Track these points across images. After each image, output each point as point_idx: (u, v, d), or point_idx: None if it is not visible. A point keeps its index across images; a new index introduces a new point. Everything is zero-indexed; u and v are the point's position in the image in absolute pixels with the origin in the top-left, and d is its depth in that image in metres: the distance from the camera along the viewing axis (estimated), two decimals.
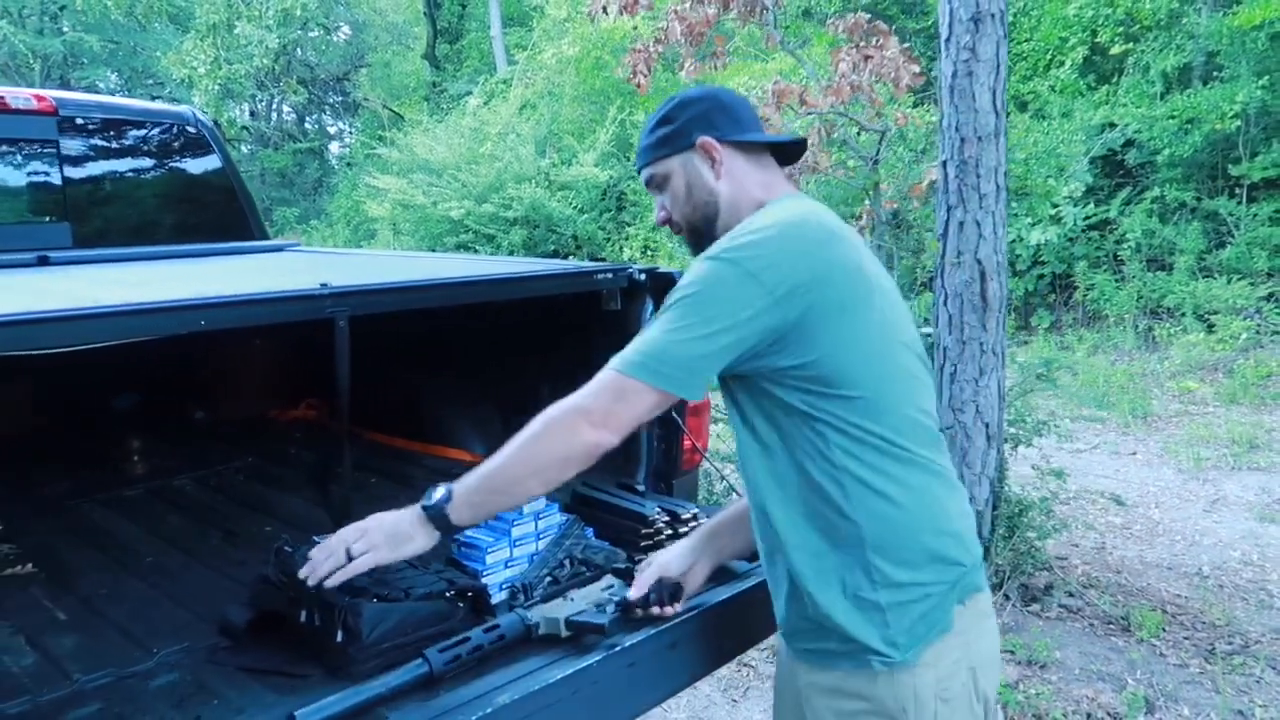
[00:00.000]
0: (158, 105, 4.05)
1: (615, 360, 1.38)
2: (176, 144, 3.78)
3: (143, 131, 3.70)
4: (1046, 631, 3.51)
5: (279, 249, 3.71)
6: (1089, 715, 2.99)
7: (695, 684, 2.20)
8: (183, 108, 3.92)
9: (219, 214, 3.72)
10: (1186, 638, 3.54)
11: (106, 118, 3.58)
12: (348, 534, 1.47)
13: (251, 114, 22.82)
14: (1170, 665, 3.32)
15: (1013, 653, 3.37)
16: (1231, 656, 3.36)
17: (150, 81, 21.30)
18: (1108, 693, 3.11)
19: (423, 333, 2.79)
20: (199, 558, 2.13)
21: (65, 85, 19.36)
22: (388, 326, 2.33)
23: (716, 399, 1.75)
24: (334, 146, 24.35)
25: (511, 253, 11.40)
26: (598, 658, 1.54)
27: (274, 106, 23.43)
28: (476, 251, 11.51)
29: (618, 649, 1.56)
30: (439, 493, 1.45)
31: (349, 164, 19.66)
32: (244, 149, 22.69)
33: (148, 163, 3.72)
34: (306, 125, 24.18)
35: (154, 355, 2.81)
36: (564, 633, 1.59)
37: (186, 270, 2.68)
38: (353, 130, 22.91)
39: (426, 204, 12.12)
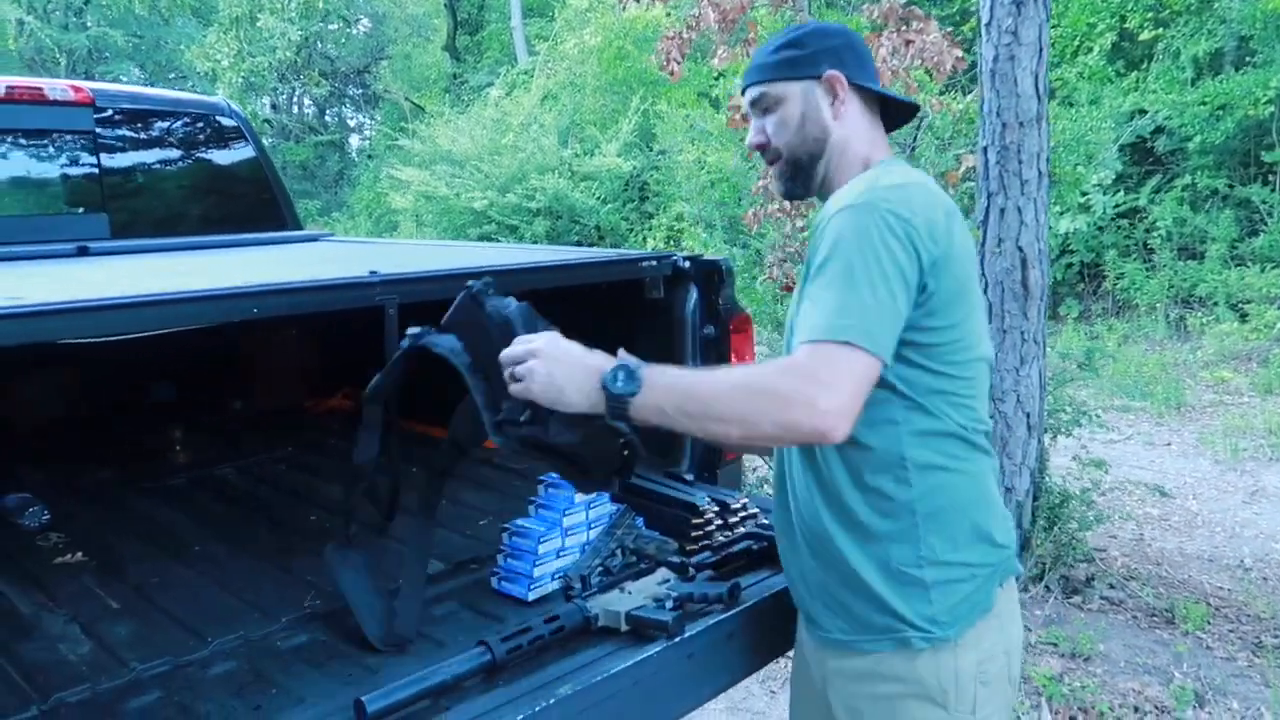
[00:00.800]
0: (192, 96, 4.06)
1: (822, 328, 1.21)
2: (211, 135, 3.78)
3: (177, 122, 3.71)
4: (1090, 624, 3.47)
5: (314, 238, 3.71)
6: (1137, 709, 2.94)
7: None
8: (217, 98, 3.93)
9: (253, 204, 3.72)
10: (1232, 630, 3.49)
11: (141, 109, 3.59)
12: (517, 351, 1.33)
13: (273, 107, 22.91)
14: (1217, 659, 3.27)
15: (1055, 645, 3.33)
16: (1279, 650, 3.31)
17: (174, 76, 21.42)
18: (1155, 686, 3.07)
19: None
20: (245, 546, 2.12)
21: (90, 80, 19.50)
22: (428, 314, 2.32)
23: None
24: (354, 139, 24.42)
25: (535, 244, 11.39)
26: (657, 649, 1.52)
27: (295, 99, 23.51)
28: (500, 242, 11.50)
29: (677, 640, 1.54)
30: (623, 375, 1.25)
31: (370, 156, 19.69)
32: (266, 142, 22.79)
33: (182, 153, 3.72)
34: (327, 118, 24.25)
35: (196, 346, 2.82)
36: (624, 626, 1.57)
37: (228, 260, 2.67)
38: (374, 123, 22.96)
39: (449, 195, 12.12)
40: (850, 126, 1.45)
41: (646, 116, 11.99)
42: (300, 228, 3.88)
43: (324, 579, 1.87)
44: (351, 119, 25.10)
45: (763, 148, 1.50)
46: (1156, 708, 2.95)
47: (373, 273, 1.82)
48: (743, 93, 1.53)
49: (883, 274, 1.23)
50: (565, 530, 1.83)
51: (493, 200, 11.67)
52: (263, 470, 2.74)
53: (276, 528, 2.26)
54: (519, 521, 1.84)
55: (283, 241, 3.43)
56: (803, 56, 1.44)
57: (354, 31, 23.09)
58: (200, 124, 3.73)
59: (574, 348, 1.33)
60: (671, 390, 1.24)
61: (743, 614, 1.65)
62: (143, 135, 3.57)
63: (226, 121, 3.76)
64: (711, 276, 2.36)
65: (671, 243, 10.92)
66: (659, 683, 1.52)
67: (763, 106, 1.48)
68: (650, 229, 11.51)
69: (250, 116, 20.38)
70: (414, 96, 19.85)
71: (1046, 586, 3.68)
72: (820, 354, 1.20)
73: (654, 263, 2.34)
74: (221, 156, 3.81)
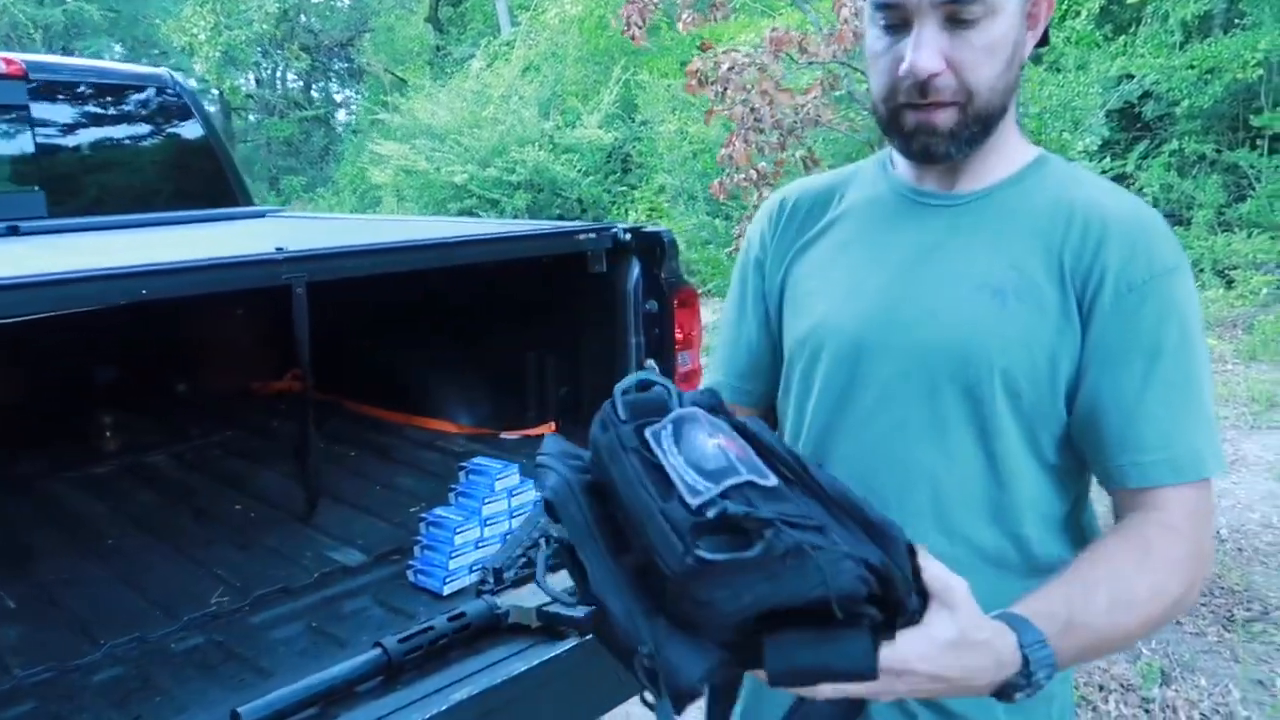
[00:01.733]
0: (133, 68, 3.93)
1: (1196, 460, 0.92)
2: (154, 108, 3.65)
3: (118, 96, 3.58)
4: None
5: (260, 214, 3.59)
6: (1101, 687, 2.88)
7: None
8: (160, 70, 3.79)
9: (199, 179, 3.61)
10: (1204, 604, 3.42)
11: (79, 81, 3.46)
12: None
13: (257, 82, 22.63)
14: (1187, 634, 3.20)
15: None
16: (1250, 624, 3.24)
17: (155, 51, 21.12)
18: (1121, 663, 3.00)
19: (404, 298, 2.68)
20: (164, 539, 2.04)
21: (68, 55, 19.20)
22: (367, 292, 2.22)
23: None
24: (340, 114, 24.15)
25: (515, 217, 11.25)
26: (568, 647, 1.44)
27: (279, 74, 23.21)
28: (480, 216, 11.37)
29: (590, 637, 1.45)
30: (1046, 666, 0.80)
31: (355, 131, 19.47)
32: (250, 117, 22.52)
33: (124, 128, 3.60)
34: (312, 93, 23.96)
35: (131, 326, 2.73)
36: (535, 623, 1.48)
37: (156, 238, 2.57)
38: (359, 97, 22.70)
39: (429, 169, 11.96)
40: (1018, 72, 0.98)
41: (628, 87, 11.81)
42: (251, 203, 3.77)
43: (235, 573, 1.79)
44: (337, 93, 24.81)
45: (933, 80, 0.92)
46: (1122, 686, 2.88)
47: (279, 249, 1.71)
48: None
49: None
50: (485, 520, 1.75)
51: (473, 174, 11.52)
52: (198, 456, 2.65)
53: (200, 518, 2.17)
54: (436, 511, 1.76)
55: (226, 218, 3.32)
56: None
57: (337, 4, 22.74)
58: (142, 97, 3.61)
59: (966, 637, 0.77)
60: (1079, 657, 0.87)
61: None
62: (81, 109, 3.45)
63: (170, 94, 3.63)
64: (653, 249, 2.26)
65: (654, 216, 10.80)
66: (570, 683, 1.44)
67: (959, 13, 0.91)
68: (633, 201, 11.38)
69: (231, 91, 20.18)
70: (396, 69, 19.59)
71: None
72: (1203, 511, 0.93)
73: (593, 235, 2.24)
74: (165, 130, 3.68)
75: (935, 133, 0.95)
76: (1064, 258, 0.93)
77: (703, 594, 0.64)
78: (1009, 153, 1.00)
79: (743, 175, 4.19)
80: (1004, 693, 0.79)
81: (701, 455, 0.70)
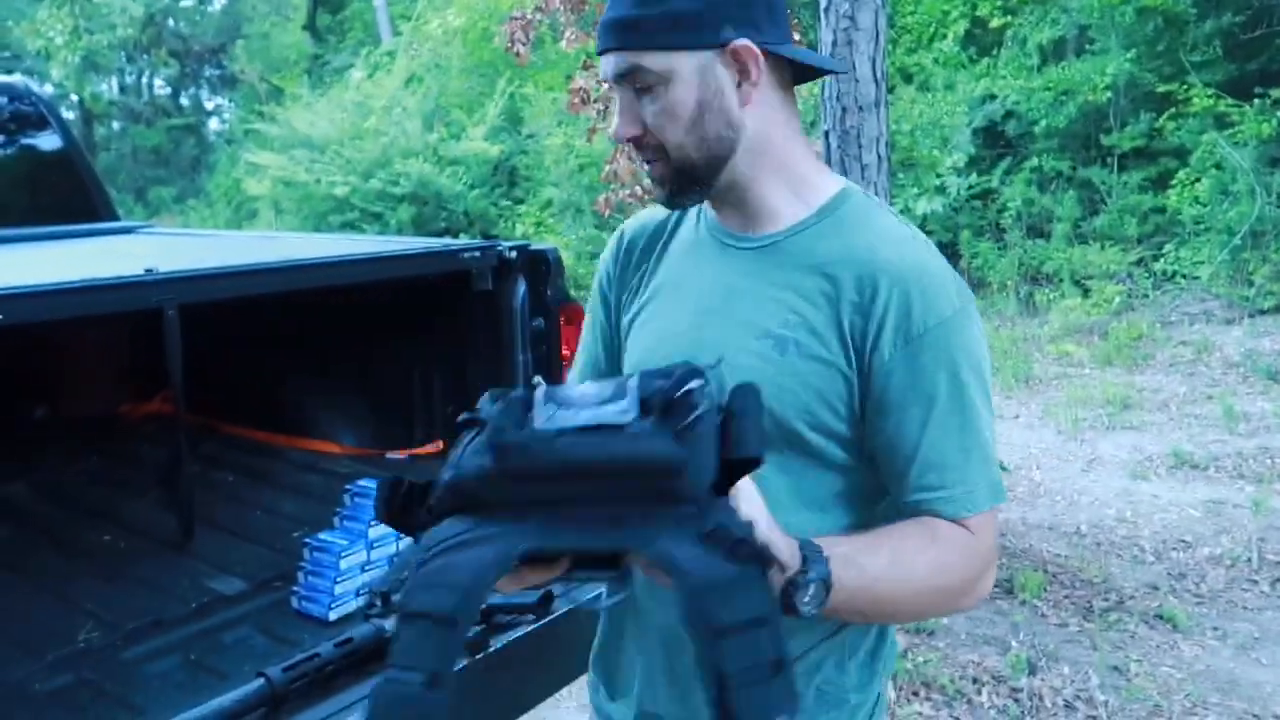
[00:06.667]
0: None
1: (988, 491, 1.01)
2: (8, 118, 3.46)
3: None
4: None
5: (129, 230, 3.44)
6: (975, 680, 3.03)
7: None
8: (14, 78, 3.60)
9: (59, 194, 3.43)
10: (1066, 596, 3.63)
11: None
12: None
13: (120, 89, 21.57)
14: (1051, 625, 3.40)
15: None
16: (1108, 613, 3.46)
17: (7, 54, 19.89)
18: (993, 656, 3.16)
19: (285, 319, 2.61)
20: (22, 574, 1.93)
21: None
22: (244, 313, 2.16)
23: None
24: (213, 122, 23.24)
25: (400, 231, 11.05)
26: (459, 667, 1.43)
27: (145, 80, 22.18)
28: (363, 231, 11.12)
29: (478, 656, 1.46)
30: (817, 592, 0.89)
31: (228, 141, 18.78)
32: (114, 125, 21.44)
33: None
34: (182, 100, 22.98)
35: None
36: None
37: (13, 257, 2.43)
38: (232, 105, 21.89)
39: (309, 181, 11.64)
40: (766, 118, 1.03)
41: (513, 100, 11.77)
42: (116, 218, 3.60)
43: (105, 607, 1.71)
44: (209, 101, 23.87)
45: (638, 140, 1.03)
46: (994, 678, 3.04)
47: (148, 270, 1.66)
48: (600, 54, 1.04)
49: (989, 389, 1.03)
50: (371, 542, 1.72)
51: (355, 186, 11.27)
52: (59, 486, 2.51)
53: (62, 550, 2.06)
54: (320, 535, 1.72)
55: (90, 234, 3.17)
56: (695, 12, 0.98)
57: (208, 9, 21.91)
58: None
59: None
60: (854, 598, 0.93)
61: (555, 623, 1.58)
62: None
63: (25, 103, 3.44)
64: (539, 266, 2.27)
65: (541, 230, 10.77)
66: (458, 705, 1.44)
67: (635, 83, 1.00)
68: (520, 215, 11.33)
69: (92, 98, 19.18)
70: (272, 78, 18.99)
71: None
72: (990, 529, 1.01)
73: (478, 254, 2.23)
74: (21, 141, 3.49)
75: (656, 182, 1.05)
76: (842, 311, 0.99)
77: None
78: (806, 192, 1.06)
79: (628, 191, 4.25)
80: (788, 595, 0.86)
81: (581, 394, 0.76)
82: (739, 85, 1.00)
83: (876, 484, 1.05)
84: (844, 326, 0.99)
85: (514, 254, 2.25)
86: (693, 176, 1.03)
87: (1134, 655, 3.16)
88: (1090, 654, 3.17)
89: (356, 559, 1.69)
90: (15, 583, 1.89)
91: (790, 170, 1.05)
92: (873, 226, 1.04)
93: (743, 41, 0.98)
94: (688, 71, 0.98)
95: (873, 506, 1.06)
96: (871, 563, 0.94)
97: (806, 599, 0.86)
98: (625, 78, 1.00)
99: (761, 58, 0.99)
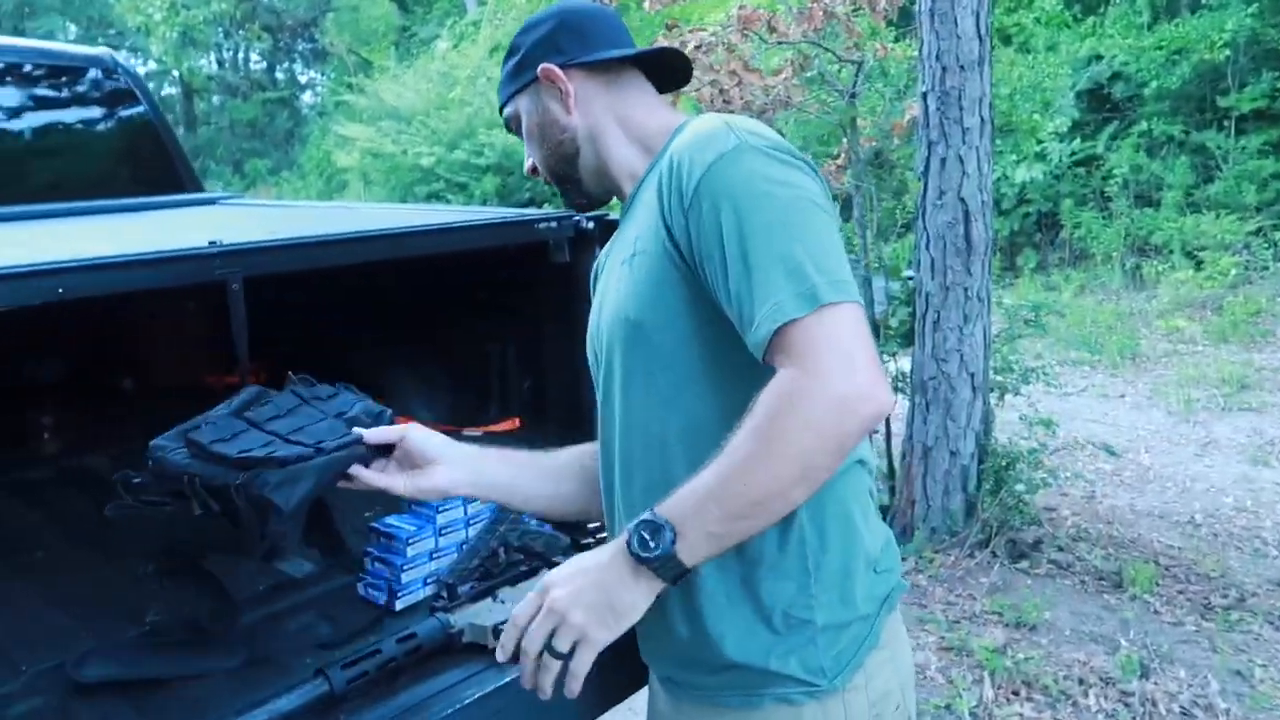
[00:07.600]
0: (73, 49, 3.74)
1: (783, 310, 0.96)
2: (95, 91, 3.48)
3: (56, 77, 3.40)
4: (1036, 590, 3.35)
5: (211, 201, 3.44)
6: (1081, 681, 2.83)
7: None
8: (101, 51, 3.61)
9: (143, 166, 3.44)
10: (1180, 592, 3.39)
11: (14, 63, 3.29)
12: (538, 615, 1.05)
13: (218, 63, 22.15)
14: (1165, 623, 3.17)
15: (1000, 614, 3.21)
16: (1228, 612, 3.21)
17: (111, 31, 20.60)
18: (1100, 655, 2.96)
19: (359, 291, 2.56)
20: (103, 549, 1.91)
21: (20, 36, 18.66)
22: (318, 285, 2.10)
23: None
24: (306, 96, 23.72)
25: (484, 201, 11.09)
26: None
27: (240, 55, 22.74)
28: (448, 201, 11.19)
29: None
30: (645, 532, 0.98)
31: (320, 113, 19.15)
32: (213, 100, 22.06)
33: (62, 111, 3.42)
34: (276, 74, 23.51)
35: (78, 320, 2.58)
36: (492, 642, 1.38)
37: (88, 229, 2.42)
38: (323, 78, 22.29)
39: (396, 152, 11.76)
40: (595, 112, 1.24)
41: None
42: (200, 189, 3.61)
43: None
44: (302, 75, 24.37)
45: (533, 170, 1.34)
46: (1101, 679, 2.84)
47: (212, 243, 1.59)
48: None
49: (809, 209, 1.02)
50: (439, 529, 1.64)
51: (440, 157, 11.34)
52: (138, 457, 2.50)
53: (136, 526, 2.04)
54: (388, 519, 1.65)
55: (172, 205, 3.16)
56: (519, 62, 1.28)
57: None
58: (82, 79, 3.44)
59: (573, 562, 1.06)
60: (702, 507, 0.96)
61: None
62: (15, 91, 3.27)
63: (112, 76, 3.46)
64: None
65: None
66: (531, 708, 1.34)
67: (514, 128, 1.34)
68: None
69: (190, 73, 19.73)
70: (361, 50, 19.24)
71: (993, 552, 3.56)
72: (820, 335, 0.95)
73: (554, 224, 2.11)
74: (107, 114, 3.51)
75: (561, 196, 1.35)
76: (660, 210, 1.09)
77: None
78: (654, 143, 1.20)
79: None
80: (668, 575, 0.99)
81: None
82: (560, 98, 1.24)
83: (733, 369, 1.06)
84: (662, 221, 1.08)
85: (591, 225, 2.13)
86: (561, 178, 1.30)
87: (1258, 659, 2.92)
88: (1209, 656, 2.94)
89: (424, 546, 1.61)
90: (92, 558, 1.88)
91: (631, 133, 1.24)
92: (686, 129, 1.13)
93: (544, 67, 1.23)
94: (525, 106, 1.28)
95: (733, 395, 1.04)
96: (701, 478, 0.98)
97: (653, 544, 0.97)
98: (509, 127, 1.35)
99: (562, 73, 1.22)
